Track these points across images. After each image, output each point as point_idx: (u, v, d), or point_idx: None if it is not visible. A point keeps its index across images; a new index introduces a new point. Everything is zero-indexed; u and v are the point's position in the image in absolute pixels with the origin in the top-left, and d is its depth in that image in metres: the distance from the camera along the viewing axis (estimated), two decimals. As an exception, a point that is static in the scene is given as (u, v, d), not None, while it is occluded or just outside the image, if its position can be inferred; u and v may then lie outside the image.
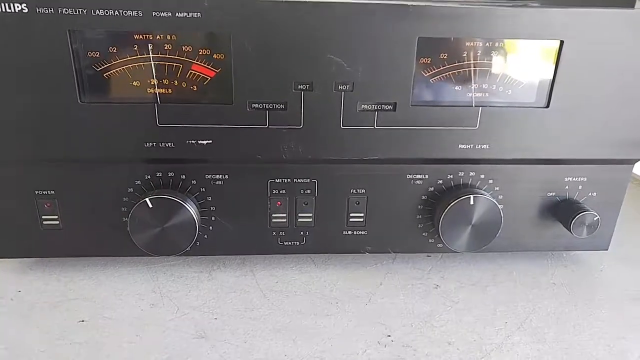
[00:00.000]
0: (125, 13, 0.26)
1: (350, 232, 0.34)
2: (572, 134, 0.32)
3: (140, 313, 0.30)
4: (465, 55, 0.30)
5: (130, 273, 0.34)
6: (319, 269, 0.35)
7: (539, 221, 0.34)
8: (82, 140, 0.29)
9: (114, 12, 0.26)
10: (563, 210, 0.33)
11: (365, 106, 0.30)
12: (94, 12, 0.26)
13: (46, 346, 0.27)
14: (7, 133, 0.29)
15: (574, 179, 0.33)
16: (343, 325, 0.29)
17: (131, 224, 0.30)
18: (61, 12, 0.26)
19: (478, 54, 0.30)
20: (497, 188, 0.33)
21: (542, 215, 0.34)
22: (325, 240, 0.34)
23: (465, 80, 0.30)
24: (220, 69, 0.29)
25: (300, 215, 0.33)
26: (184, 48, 0.28)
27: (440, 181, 0.33)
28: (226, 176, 0.32)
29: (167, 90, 0.29)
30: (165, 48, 0.28)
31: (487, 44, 0.29)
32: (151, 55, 0.28)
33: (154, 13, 0.26)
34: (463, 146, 0.31)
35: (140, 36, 0.28)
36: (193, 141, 0.30)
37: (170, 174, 0.31)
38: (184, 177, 0.31)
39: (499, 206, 0.32)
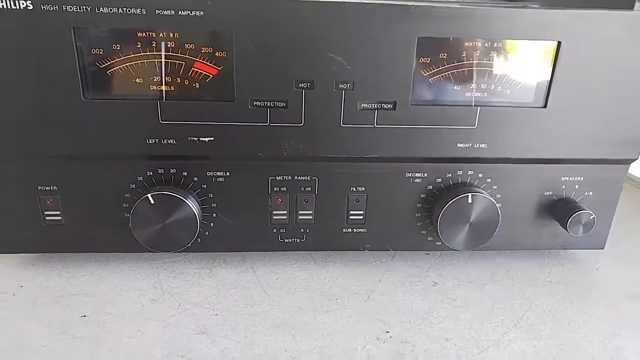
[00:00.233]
0: (129, 11, 0.27)
1: (350, 230, 0.34)
2: (569, 134, 0.32)
3: (141, 308, 0.30)
4: (464, 55, 0.30)
5: (132, 269, 0.34)
6: (319, 266, 0.35)
7: (536, 220, 0.35)
8: (85, 136, 0.29)
9: (118, 10, 0.27)
10: (560, 209, 0.34)
11: (366, 105, 0.30)
12: (98, 10, 0.26)
13: (48, 341, 0.27)
14: (10, 129, 0.29)
15: (570, 178, 0.34)
16: (342, 322, 0.30)
17: (133, 220, 0.30)
18: (66, 9, 0.26)
19: (477, 54, 0.30)
20: (495, 187, 0.34)
21: (540, 214, 0.35)
22: (325, 237, 0.34)
23: (464, 80, 0.31)
24: (223, 67, 0.29)
25: (300, 212, 0.33)
26: (186, 46, 0.28)
27: (439, 180, 0.33)
28: (227, 173, 0.32)
29: (170, 88, 0.29)
30: (168, 46, 0.28)
31: (486, 44, 0.30)
32: (154, 53, 0.28)
33: (157, 11, 0.27)
34: (462, 145, 0.32)
35: (144, 34, 0.28)
36: (195, 138, 0.30)
37: (172, 171, 0.31)
38: (185, 173, 0.32)
39: (497, 205, 0.32)
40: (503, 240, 0.35)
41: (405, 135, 0.31)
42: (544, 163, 0.33)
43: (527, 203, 0.34)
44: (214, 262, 0.35)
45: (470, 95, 0.31)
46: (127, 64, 0.28)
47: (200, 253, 0.36)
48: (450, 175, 0.33)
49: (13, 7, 0.26)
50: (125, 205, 0.32)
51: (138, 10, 0.27)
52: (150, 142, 0.30)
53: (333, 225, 0.34)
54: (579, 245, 0.36)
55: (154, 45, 0.28)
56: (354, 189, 0.33)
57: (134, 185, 0.31)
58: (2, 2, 0.26)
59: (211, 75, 0.29)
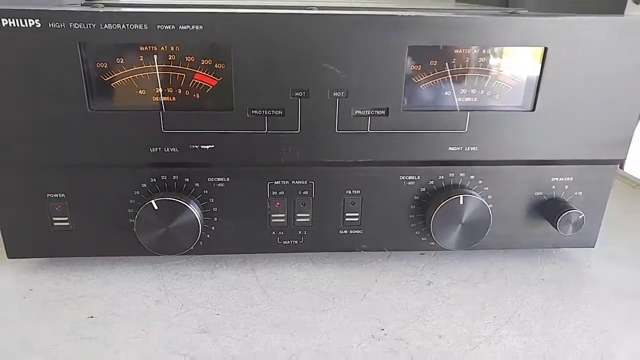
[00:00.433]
0: (132, 26, 0.28)
1: (346, 232, 0.35)
2: (558, 135, 0.33)
3: (146, 309, 0.31)
4: (453, 62, 0.31)
5: (137, 272, 0.35)
6: (317, 267, 0.36)
7: (527, 219, 0.36)
8: (91, 145, 0.31)
9: (121, 26, 0.28)
10: (550, 209, 0.35)
11: (359, 112, 0.31)
12: (103, 26, 0.28)
13: (57, 341, 0.28)
14: (20, 139, 0.30)
15: (560, 179, 0.35)
16: (339, 320, 0.31)
17: (137, 225, 0.32)
18: (72, 26, 0.28)
19: (466, 61, 0.31)
20: (487, 188, 0.35)
21: (531, 214, 0.36)
22: (322, 239, 0.35)
23: (454, 85, 0.32)
24: (222, 78, 0.30)
25: (298, 215, 0.34)
26: (187, 58, 0.30)
27: (432, 182, 0.34)
28: (228, 179, 0.33)
29: (172, 98, 0.31)
30: (170, 59, 0.30)
31: (475, 51, 0.31)
32: (156, 66, 0.30)
33: (158, 26, 0.28)
34: (453, 148, 0.33)
35: (146, 48, 0.29)
36: (196, 146, 0.31)
37: (174, 177, 0.33)
38: (187, 180, 0.33)
39: (488, 205, 0.33)
40: (495, 240, 0.36)
41: (398, 140, 0.32)
42: (534, 164, 0.34)
43: (518, 203, 0.35)
44: (215, 264, 0.36)
45: (460, 100, 0.32)
46: (130, 77, 0.30)
47: (202, 255, 0.37)
48: (442, 177, 0.34)
49: (22, 25, 0.27)
50: (130, 210, 0.33)
51: (140, 26, 0.28)
52: (153, 150, 0.31)
53: (330, 227, 0.35)
54: (570, 244, 0.37)
55: (156, 58, 0.30)
56: (350, 192, 0.34)
57: (138, 192, 0.33)
58: (12, 20, 0.27)
59: (211, 86, 0.30)
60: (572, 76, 0.31)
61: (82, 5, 0.37)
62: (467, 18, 0.30)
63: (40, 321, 0.30)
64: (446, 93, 0.32)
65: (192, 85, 0.30)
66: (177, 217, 0.32)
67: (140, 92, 0.30)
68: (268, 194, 0.34)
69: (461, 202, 0.33)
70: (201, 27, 0.28)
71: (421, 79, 0.31)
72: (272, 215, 0.34)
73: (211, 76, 0.30)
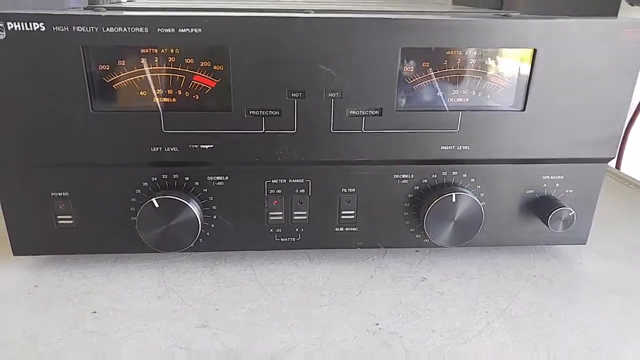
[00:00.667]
0: (133, 29, 0.29)
1: (342, 229, 0.36)
2: (548, 135, 0.34)
3: (147, 305, 0.32)
4: (445, 63, 0.32)
5: (138, 268, 0.36)
6: (314, 264, 0.37)
7: (519, 217, 0.37)
8: (94, 145, 0.32)
9: (123, 29, 0.29)
10: (541, 207, 0.35)
11: (354, 112, 0.32)
12: (105, 30, 0.29)
13: (61, 335, 0.29)
14: (25, 139, 0.31)
15: (551, 177, 0.36)
16: (335, 315, 0.31)
17: (139, 223, 0.32)
18: (75, 29, 0.29)
19: (458, 62, 0.32)
20: (479, 186, 0.35)
21: (523, 211, 0.36)
22: (319, 236, 0.36)
23: (446, 86, 0.33)
24: (220, 80, 0.31)
25: (295, 213, 0.35)
26: (186, 60, 0.31)
27: (425, 180, 0.35)
28: (226, 177, 0.34)
29: (172, 100, 0.31)
30: (170, 61, 0.31)
31: (466, 53, 0.32)
32: (157, 68, 0.31)
33: (158, 29, 0.29)
34: (445, 148, 0.33)
35: (147, 50, 0.30)
36: (195, 146, 0.32)
37: (174, 176, 0.33)
38: (187, 178, 0.34)
39: (480, 203, 0.34)
40: (488, 237, 0.37)
41: (391, 140, 0.33)
42: (525, 163, 0.35)
43: (510, 201, 0.36)
44: (215, 261, 0.37)
45: (452, 101, 0.33)
46: (131, 79, 0.31)
47: (202, 253, 0.38)
48: (435, 176, 0.35)
49: (27, 28, 0.28)
50: (131, 209, 0.34)
51: (141, 29, 0.29)
52: (154, 150, 0.32)
53: (326, 224, 0.36)
54: (562, 241, 0.38)
55: (156, 60, 0.30)
56: (345, 191, 0.35)
57: (139, 190, 0.33)
58: (17, 24, 0.28)
59: (210, 87, 0.31)
60: (561, 77, 0.32)
61: (85, 8, 0.38)
62: (457, 21, 0.31)
63: (45, 316, 0.31)
64: (438, 94, 0.33)
65: (191, 87, 0.31)
66: (177, 215, 0.32)
67: (141, 93, 0.31)
68: (266, 192, 0.35)
69: (453, 200, 0.33)
70: (200, 30, 0.29)
71: (414, 80, 0.32)
72: (270, 213, 0.35)
73: (210, 78, 0.31)
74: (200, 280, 0.35)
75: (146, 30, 0.29)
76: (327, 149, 0.33)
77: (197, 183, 0.34)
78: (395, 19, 0.30)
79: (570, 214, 0.34)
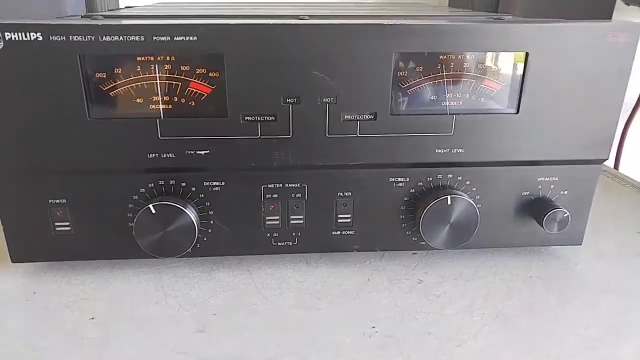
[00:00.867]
0: (129, 38, 0.29)
1: (338, 232, 0.36)
2: (542, 137, 0.34)
3: (145, 310, 0.32)
4: (438, 67, 0.32)
5: (136, 274, 0.36)
6: (311, 267, 0.37)
7: (515, 219, 0.37)
8: (91, 152, 0.32)
9: (119, 38, 0.29)
10: (536, 208, 0.36)
11: (348, 116, 0.32)
12: (101, 38, 0.29)
13: (59, 342, 0.29)
14: (23, 146, 0.31)
15: (546, 178, 0.36)
16: (332, 319, 0.31)
17: (136, 229, 0.33)
18: (72, 39, 0.29)
19: (451, 66, 0.32)
20: (475, 189, 0.36)
21: (518, 213, 0.37)
22: (316, 240, 0.36)
23: (439, 90, 0.33)
24: (216, 86, 0.31)
25: (292, 217, 0.35)
26: (182, 68, 0.31)
27: (421, 183, 0.35)
28: (223, 183, 0.34)
29: (168, 106, 0.32)
30: (166, 68, 0.31)
31: (459, 57, 0.32)
32: (153, 75, 0.31)
33: (154, 37, 0.29)
34: (440, 151, 0.34)
35: (143, 58, 0.30)
36: (192, 152, 0.32)
37: (171, 182, 0.34)
38: (184, 184, 0.34)
39: (476, 206, 0.34)
40: (484, 239, 0.37)
41: (386, 144, 0.33)
42: (520, 165, 0.35)
43: (506, 203, 0.36)
44: (212, 266, 0.37)
45: (446, 105, 0.33)
46: (128, 86, 0.31)
47: (199, 258, 0.38)
48: (430, 179, 0.35)
49: (25, 38, 0.29)
50: (129, 215, 0.34)
51: (137, 38, 0.29)
52: (150, 156, 0.32)
53: (323, 228, 0.36)
54: (558, 242, 0.38)
55: (152, 68, 0.31)
56: (341, 194, 0.35)
57: (136, 197, 0.34)
58: (15, 34, 0.29)
59: (205, 94, 0.32)
60: (554, 80, 0.32)
61: (82, 17, 0.39)
62: (450, 25, 0.31)
63: (43, 323, 0.31)
64: (432, 98, 0.33)
65: (187, 94, 0.32)
66: (174, 220, 0.33)
67: (137, 100, 0.31)
68: (262, 197, 0.35)
69: (449, 203, 0.34)
70: (195, 37, 0.30)
71: (408, 84, 0.33)
72: (267, 218, 0.35)
73: (206, 84, 0.31)
74: (197, 285, 0.35)
75: (142, 38, 0.29)
76: (322, 153, 0.33)
77: (193, 189, 0.34)
78: (388, 24, 0.30)
79: (565, 215, 0.35)
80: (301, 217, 0.35)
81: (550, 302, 0.33)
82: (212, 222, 0.35)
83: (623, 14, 0.66)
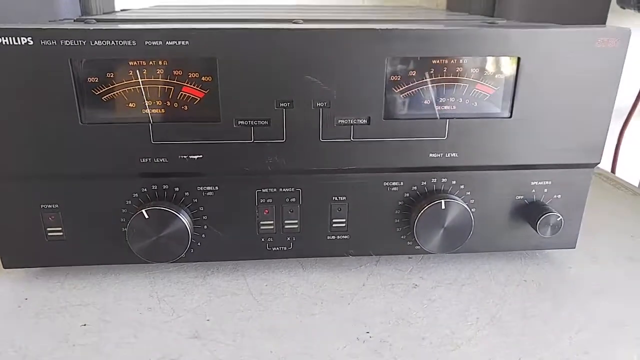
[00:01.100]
0: (121, 43, 0.29)
1: (333, 237, 0.36)
2: (535, 141, 0.34)
3: (138, 316, 0.32)
4: (431, 72, 0.32)
5: (129, 279, 0.36)
6: (307, 272, 0.37)
7: (509, 223, 0.37)
8: (84, 157, 0.32)
9: (110, 42, 0.29)
10: (530, 212, 0.36)
11: (342, 121, 0.32)
12: (93, 43, 0.29)
13: (51, 348, 0.29)
14: (15, 152, 0.31)
15: (539, 182, 0.36)
16: (326, 324, 0.31)
17: (129, 234, 0.32)
18: (63, 43, 0.29)
19: (444, 71, 0.32)
20: (469, 193, 0.36)
21: (512, 217, 0.37)
22: (311, 245, 0.36)
23: (432, 95, 0.33)
24: (209, 90, 0.31)
25: (286, 222, 0.35)
26: (174, 72, 0.31)
27: (415, 187, 0.35)
28: (216, 188, 0.34)
29: (160, 111, 0.32)
30: (158, 73, 0.31)
31: (452, 61, 0.32)
32: (145, 80, 0.31)
33: (146, 42, 0.29)
34: (433, 155, 0.34)
35: (135, 63, 0.30)
36: (185, 156, 0.32)
37: (164, 187, 0.34)
38: (177, 189, 0.34)
39: (470, 210, 0.34)
40: (479, 243, 0.37)
41: (380, 148, 0.33)
42: (513, 169, 0.35)
43: (500, 207, 0.36)
44: (207, 271, 0.37)
45: (439, 109, 0.33)
46: (120, 91, 0.31)
47: (193, 263, 0.38)
48: (425, 183, 0.35)
49: (15, 43, 0.29)
50: (122, 220, 0.34)
51: (129, 42, 0.29)
52: (143, 161, 0.32)
53: (317, 233, 0.36)
54: (552, 246, 0.38)
55: (144, 72, 0.31)
56: (336, 199, 0.35)
57: (129, 202, 0.34)
58: (5, 39, 0.28)
59: (198, 98, 0.32)
60: (545, 84, 0.33)
61: (75, 20, 0.38)
62: (442, 30, 0.31)
63: (35, 329, 0.30)
64: (425, 102, 0.33)
65: (180, 98, 0.31)
66: (167, 225, 0.32)
67: (130, 105, 0.31)
68: (256, 201, 0.35)
69: (443, 207, 0.34)
70: (187, 42, 0.29)
71: (401, 88, 0.33)
72: (261, 223, 0.35)
73: (198, 89, 0.31)
74: (191, 290, 0.35)
75: (134, 43, 0.29)
76: (316, 157, 0.33)
77: (187, 193, 0.34)
78: (381, 29, 0.30)
79: (558, 219, 0.35)
80: (296, 221, 0.35)
81: (544, 306, 0.33)
82: (206, 227, 0.35)
83: (619, 17, 0.66)
